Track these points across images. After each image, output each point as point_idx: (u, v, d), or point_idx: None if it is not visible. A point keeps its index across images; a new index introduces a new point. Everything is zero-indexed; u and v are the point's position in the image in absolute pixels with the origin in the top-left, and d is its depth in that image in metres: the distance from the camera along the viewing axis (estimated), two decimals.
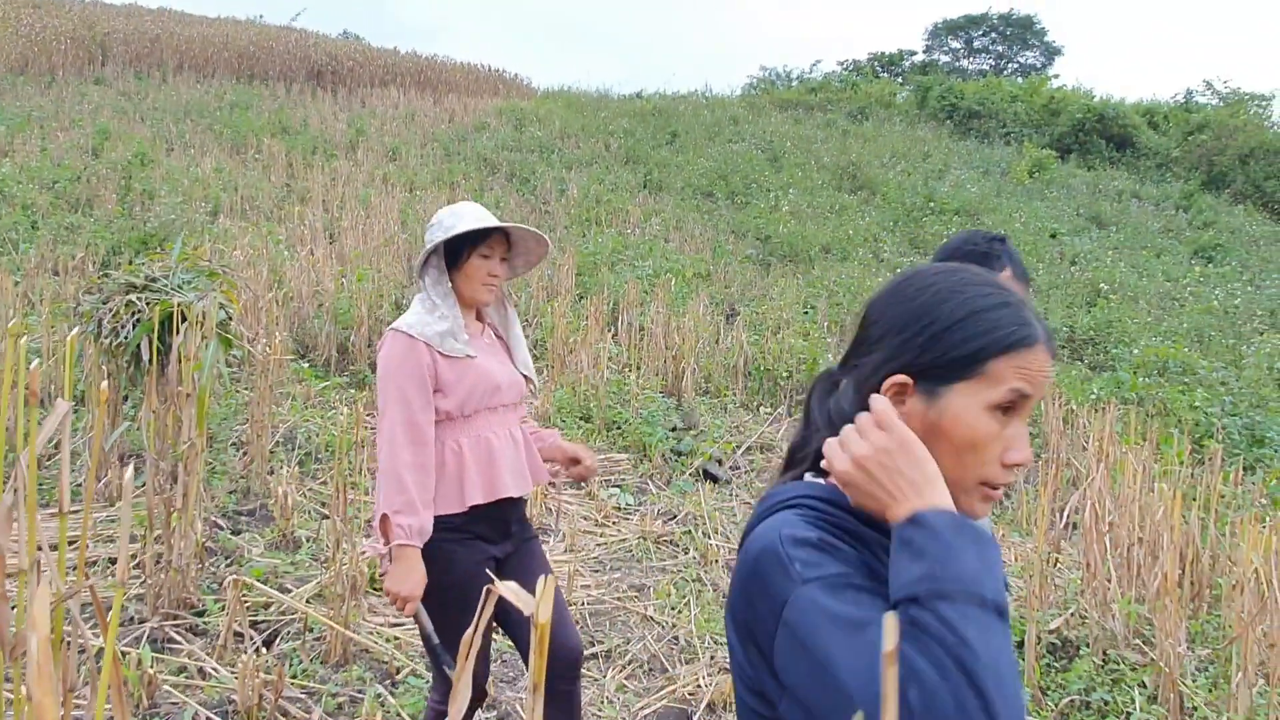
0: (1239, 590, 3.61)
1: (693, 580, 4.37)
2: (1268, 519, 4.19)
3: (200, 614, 3.45)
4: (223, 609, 3.32)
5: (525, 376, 2.40)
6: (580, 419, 6.11)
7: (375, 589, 3.92)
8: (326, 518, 4.45)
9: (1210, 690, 3.54)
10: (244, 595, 3.42)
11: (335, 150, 14.31)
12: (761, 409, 6.83)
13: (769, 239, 11.98)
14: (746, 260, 11.20)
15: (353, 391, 6.30)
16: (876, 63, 30.71)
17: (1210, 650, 3.86)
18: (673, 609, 4.06)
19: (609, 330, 7.71)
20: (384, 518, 2.06)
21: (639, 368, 6.84)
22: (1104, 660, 3.83)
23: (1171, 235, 15.20)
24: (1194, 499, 4.63)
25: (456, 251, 2.22)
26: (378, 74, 21.20)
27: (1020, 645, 3.87)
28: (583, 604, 4.04)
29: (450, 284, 2.22)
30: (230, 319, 4.52)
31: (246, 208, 10.72)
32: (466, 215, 2.23)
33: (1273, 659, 3.33)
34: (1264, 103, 21.57)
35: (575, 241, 10.88)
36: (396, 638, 3.53)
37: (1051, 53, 34.35)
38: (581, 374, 6.48)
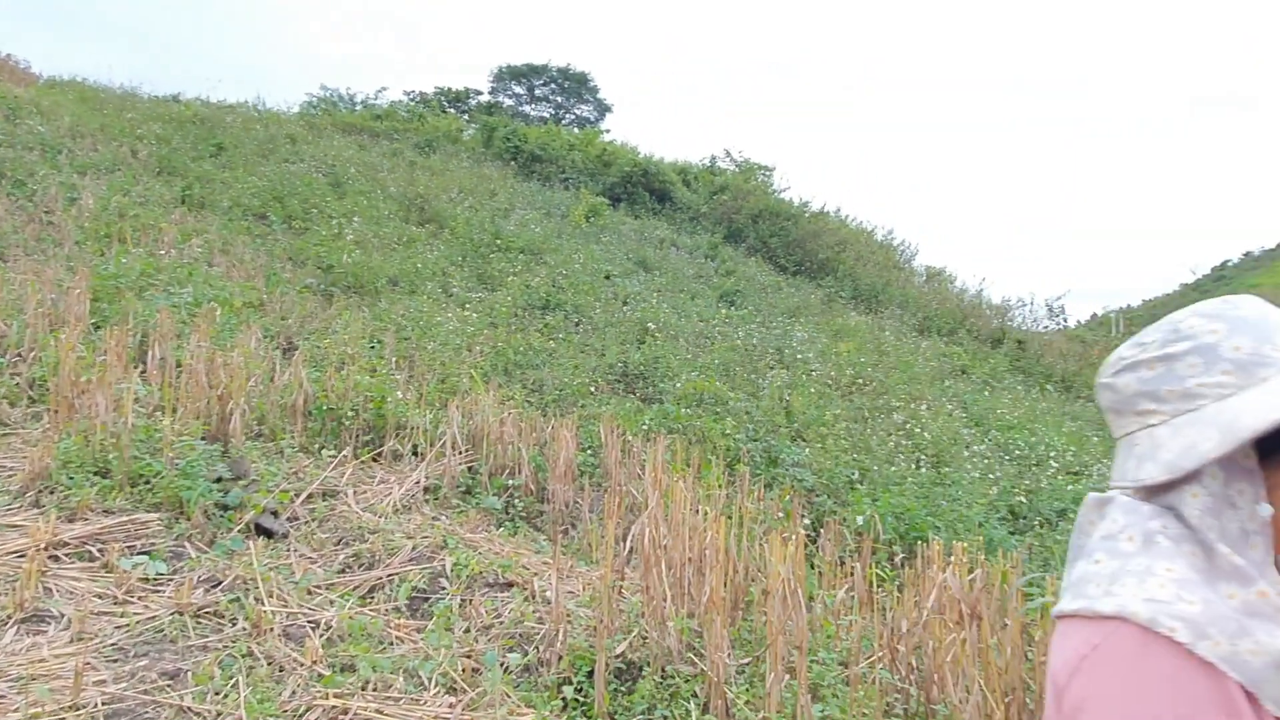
0: (769, 598, 4.05)
1: (242, 655, 3.79)
2: (790, 533, 4.79)
3: None
4: None
5: None
6: (95, 474, 5.06)
7: None
8: None
9: (748, 691, 3.88)
10: None
11: None
12: (324, 451, 6.29)
13: (332, 268, 11.28)
14: (306, 290, 10.40)
15: None
16: (443, 97, 31.10)
17: (748, 655, 4.27)
18: (217, 694, 3.46)
19: (136, 367, 6.57)
20: None
21: (175, 410, 5.90)
22: (663, 677, 4.04)
23: (703, 281, 17.37)
24: (730, 517, 5.14)
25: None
26: None
27: (590, 675, 3.95)
28: (95, 705, 3.27)
29: (1266, 511, 0.94)
30: None
31: None
32: None
33: (798, 658, 3.77)
34: (768, 172, 25.88)
35: (91, 261, 9.19)
36: None
37: (603, 109, 37.79)
38: (97, 419, 5.38)
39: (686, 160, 26.57)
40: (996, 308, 22.42)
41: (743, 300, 16.43)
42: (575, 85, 36.70)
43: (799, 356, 12.38)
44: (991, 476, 8.87)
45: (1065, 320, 22.32)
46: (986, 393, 14.35)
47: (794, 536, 4.42)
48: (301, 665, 3.76)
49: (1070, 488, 9.08)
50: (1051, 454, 10.30)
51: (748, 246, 21.34)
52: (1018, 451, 10.34)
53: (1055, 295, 22.46)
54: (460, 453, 6.52)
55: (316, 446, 6.34)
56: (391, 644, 4.11)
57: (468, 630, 4.32)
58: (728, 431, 8.11)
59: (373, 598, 4.59)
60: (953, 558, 3.79)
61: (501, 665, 3.94)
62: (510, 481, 6.49)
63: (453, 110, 30.15)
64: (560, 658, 4.09)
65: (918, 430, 9.92)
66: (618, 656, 4.17)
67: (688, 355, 11.18)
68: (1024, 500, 8.50)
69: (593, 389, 9.20)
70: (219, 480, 5.31)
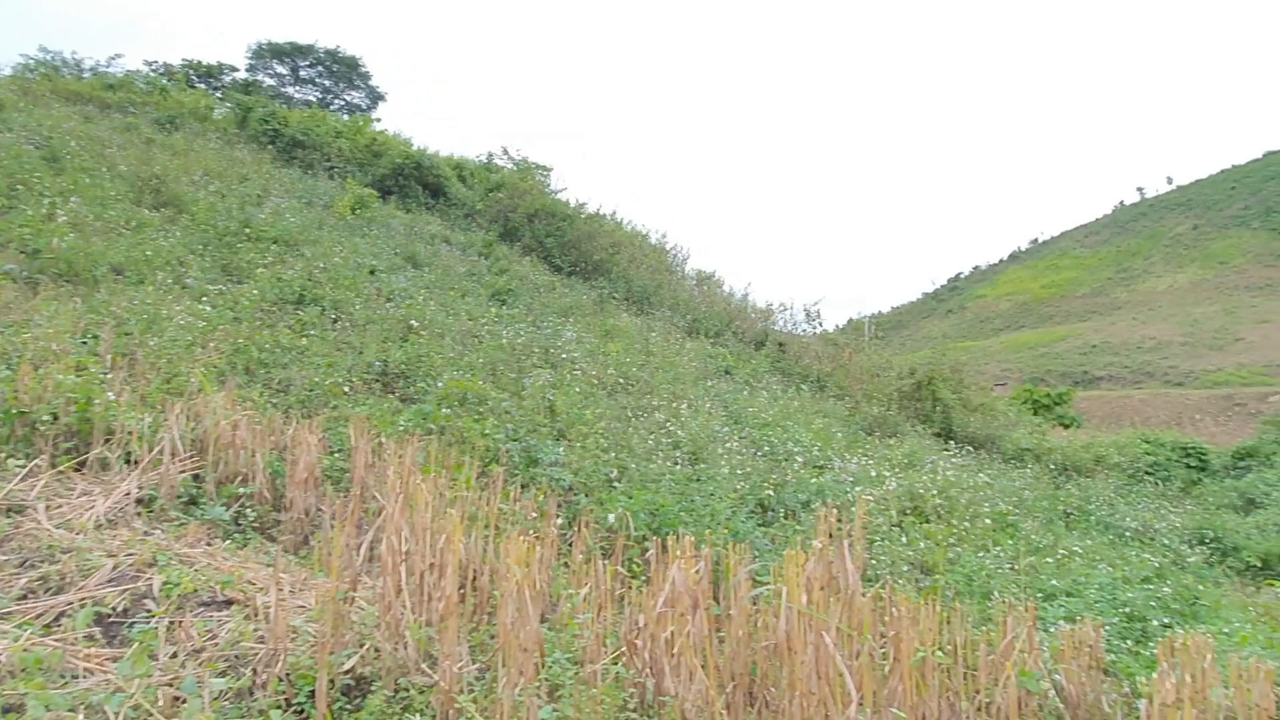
0: (506, 601, 3.96)
1: None
2: (541, 533, 4.73)
3: None
4: None
5: None
6: None
7: None
8: None
9: (485, 698, 3.77)
10: None
11: None
12: (11, 461, 5.48)
13: (39, 253, 9.93)
14: (4, 277, 9.09)
15: None
16: (192, 71, 28.52)
17: (484, 660, 4.16)
18: None
19: None
20: None
21: None
22: (395, 690, 3.85)
23: (475, 279, 17.04)
24: (475, 519, 5.01)
25: None
26: None
27: (311, 696, 3.68)
28: None
29: None
30: None
31: None
32: None
33: (525, 660, 3.70)
34: (545, 173, 25.83)
35: None
36: None
37: (375, 97, 36.22)
38: None
39: (463, 155, 26.10)
40: (761, 311, 23.80)
41: (515, 299, 16.30)
42: (345, 69, 34.92)
43: (565, 356, 12.42)
44: (741, 472, 9.31)
45: (821, 324, 24.13)
46: (746, 392, 15.12)
47: (544, 536, 4.37)
48: None
49: (814, 481, 9.72)
50: (798, 450, 10.99)
51: (523, 245, 21.23)
52: (768, 448, 10.95)
53: (813, 300, 24.25)
54: (183, 459, 5.92)
55: (1, 456, 5.52)
56: (77, 677, 3.63)
57: (175, 655, 3.90)
58: (487, 431, 7.95)
59: (59, 625, 4.04)
60: (680, 551, 3.87)
61: (209, 691, 3.58)
62: (242, 489, 5.99)
63: (202, 86, 27.71)
64: (279, 678, 3.78)
65: (676, 429, 10.24)
66: (346, 672, 3.92)
67: (453, 354, 10.89)
68: (771, 493, 9.00)
69: (347, 389, 8.71)
70: None
